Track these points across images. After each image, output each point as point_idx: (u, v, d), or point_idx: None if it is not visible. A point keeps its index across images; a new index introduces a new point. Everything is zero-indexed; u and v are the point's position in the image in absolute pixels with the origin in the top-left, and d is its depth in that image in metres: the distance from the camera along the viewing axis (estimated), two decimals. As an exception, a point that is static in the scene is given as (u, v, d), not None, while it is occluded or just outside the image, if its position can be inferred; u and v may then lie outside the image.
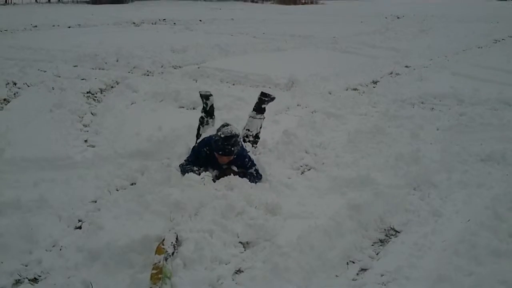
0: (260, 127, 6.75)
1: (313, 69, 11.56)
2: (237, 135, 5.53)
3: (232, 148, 5.53)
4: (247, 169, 5.79)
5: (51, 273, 4.08)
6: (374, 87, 10.89)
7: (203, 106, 6.70)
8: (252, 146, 6.52)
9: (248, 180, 5.59)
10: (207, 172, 5.61)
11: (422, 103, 9.57)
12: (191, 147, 6.12)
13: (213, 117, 6.70)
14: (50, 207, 5.00)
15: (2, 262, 4.11)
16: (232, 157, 5.67)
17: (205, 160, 5.78)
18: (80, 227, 4.77)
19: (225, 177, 5.58)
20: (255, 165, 5.85)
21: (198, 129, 6.61)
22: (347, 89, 10.56)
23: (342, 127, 7.97)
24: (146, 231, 4.40)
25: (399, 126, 7.86)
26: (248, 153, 5.92)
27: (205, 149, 5.80)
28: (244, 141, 6.43)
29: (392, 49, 15.80)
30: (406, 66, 13.20)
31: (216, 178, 5.64)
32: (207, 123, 6.60)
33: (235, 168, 5.78)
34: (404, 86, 10.84)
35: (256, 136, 6.71)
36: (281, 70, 11.21)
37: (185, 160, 5.88)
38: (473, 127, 7.97)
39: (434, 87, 10.59)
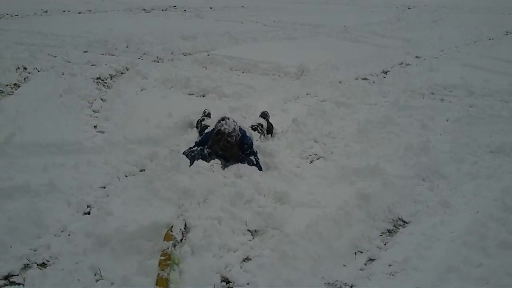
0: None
1: (323, 58, 11.50)
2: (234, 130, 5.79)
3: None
4: (246, 155, 5.85)
5: (60, 258, 4.10)
6: (384, 77, 10.83)
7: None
8: (260, 136, 6.53)
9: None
10: (216, 159, 5.63)
11: (432, 93, 9.53)
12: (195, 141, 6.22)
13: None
14: (59, 192, 5.02)
15: (11, 247, 4.13)
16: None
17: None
18: (89, 213, 4.79)
19: (234, 165, 5.64)
20: (255, 154, 5.93)
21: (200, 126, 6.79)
22: (357, 79, 10.51)
23: (352, 116, 7.93)
24: (155, 217, 4.42)
25: (409, 117, 7.83)
26: (251, 141, 6.01)
27: (205, 147, 5.94)
28: (254, 129, 6.52)
29: (403, 39, 15.71)
30: (417, 57, 13.12)
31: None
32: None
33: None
34: (415, 76, 10.78)
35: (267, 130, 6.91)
36: (291, 59, 11.17)
37: (189, 148, 5.97)
38: (483, 118, 7.94)
39: (444, 78, 10.53)
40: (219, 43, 13.33)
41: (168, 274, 3.73)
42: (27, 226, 4.39)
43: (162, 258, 3.91)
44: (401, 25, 19.13)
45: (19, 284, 3.80)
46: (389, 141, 6.80)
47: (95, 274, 3.90)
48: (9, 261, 4.00)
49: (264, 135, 6.67)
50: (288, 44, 14.15)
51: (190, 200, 4.81)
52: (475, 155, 6.46)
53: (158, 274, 3.74)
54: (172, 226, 4.30)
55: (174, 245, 4.05)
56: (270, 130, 6.95)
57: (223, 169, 5.58)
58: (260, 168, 5.77)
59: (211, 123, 6.55)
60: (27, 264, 4.02)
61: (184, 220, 4.45)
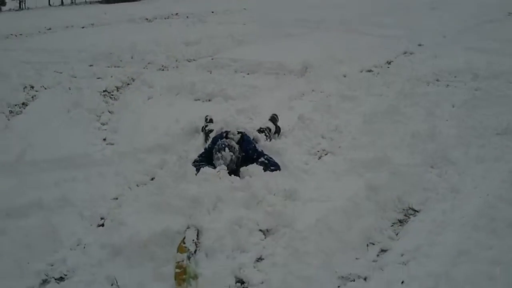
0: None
1: (327, 53, 11.49)
2: (230, 145, 5.74)
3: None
4: (254, 159, 5.83)
5: (77, 271, 4.16)
6: (388, 67, 10.82)
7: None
8: (267, 139, 6.53)
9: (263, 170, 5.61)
10: (222, 165, 5.60)
11: (437, 80, 9.52)
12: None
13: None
14: (72, 206, 5.08)
15: (28, 263, 4.20)
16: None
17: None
18: (102, 225, 4.84)
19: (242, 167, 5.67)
20: (264, 154, 5.92)
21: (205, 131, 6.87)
22: (361, 71, 10.50)
23: (358, 109, 7.89)
24: (166, 223, 4.45)
25: (415, 105, 7.83)
26: (253, 144, 6.03)
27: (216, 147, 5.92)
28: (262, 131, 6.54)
29: (404, 28, 15.65)
30: (420, 45, 13.08)
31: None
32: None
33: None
34: (419, 64, 10.78)
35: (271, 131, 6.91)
36: (295, 56, 11.18)
37: (198, 156, 5.97)
38: (489, 100, 7.93)
39: (448, 63, 10.52)
40: (223, 46, 13.33)
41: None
42: (43, 241, 4.47)
43: (178, 270, 3.92)
44: (401, 14, 19.04)
45: (38, 299, 3.88)
46: (395, 130, 6.80)
47: (111, 284, 3.96)
48: (27, 277, 4.08)
49: (270, 140, 6.64)
50: (291, 41, 14.12)
51: (199, 208, 4.77)
52: (482, 138, 6.44)
53: (175, 290, 3.79)
54: (184, 238, 4.32)
55: (189, 258, 4.07)
56: (277, 131, 6.98)
57: (230, 174, 5.56)
58: (274, 164, 5.75)
59: (214, 127, 6.57)
60: (45, 279, 4.09)
61: (196, 229, 4.47)
